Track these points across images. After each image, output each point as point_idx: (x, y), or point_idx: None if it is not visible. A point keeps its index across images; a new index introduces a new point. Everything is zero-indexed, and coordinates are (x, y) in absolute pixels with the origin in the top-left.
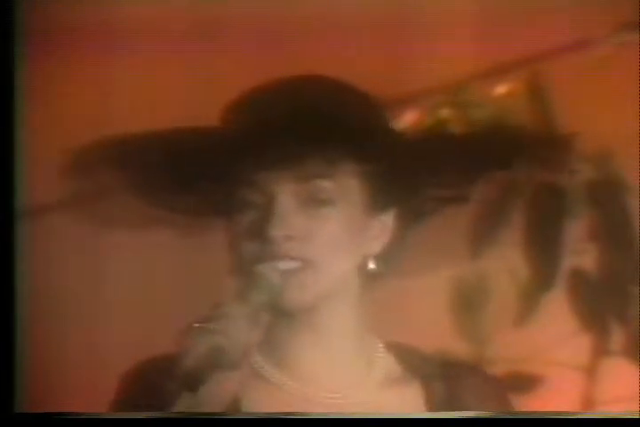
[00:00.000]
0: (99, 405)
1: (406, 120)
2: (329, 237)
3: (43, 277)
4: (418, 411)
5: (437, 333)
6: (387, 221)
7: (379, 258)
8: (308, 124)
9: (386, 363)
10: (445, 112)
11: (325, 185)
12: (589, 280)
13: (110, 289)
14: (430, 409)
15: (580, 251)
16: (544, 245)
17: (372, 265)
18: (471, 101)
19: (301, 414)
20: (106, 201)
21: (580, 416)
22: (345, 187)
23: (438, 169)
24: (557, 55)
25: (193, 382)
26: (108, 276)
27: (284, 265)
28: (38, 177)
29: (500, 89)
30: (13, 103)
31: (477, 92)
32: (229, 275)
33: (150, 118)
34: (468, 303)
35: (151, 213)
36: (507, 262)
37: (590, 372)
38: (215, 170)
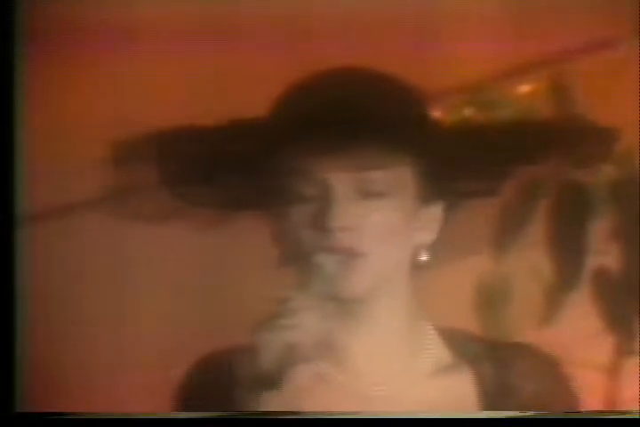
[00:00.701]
0: (99, 405)
1: None
2: (383, 229)
3: (43, 278)
4: (469, 396)
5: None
6: (436, 213)
7: (428, 249)
8: (359, 115)
9: (436, 350)
10: (468, 111)
11: (379, 176)
12: (613, 280)
13: (110, 289)
14: (481, 394)
15: (604, 251)
16: (567, 245)
17: (423, 256)
18: (494, 101)
19: (352, 413)
20: (132, 196)
21: (580, 416)
22: (398, 178)
23: (481, 160)
24: (582, 54)
25: (273, 379)
26: (109, 276)
27: (340, 256)
28: (38, 178)
29: (524, 88)
30: (13, 103)
31: (501, 92)
32: (279, 266)
33: (150, 118)
34: (491, 303)
35: (171, 207)
36: (530, 262)
37: (614, 372)
38: (263, 163)
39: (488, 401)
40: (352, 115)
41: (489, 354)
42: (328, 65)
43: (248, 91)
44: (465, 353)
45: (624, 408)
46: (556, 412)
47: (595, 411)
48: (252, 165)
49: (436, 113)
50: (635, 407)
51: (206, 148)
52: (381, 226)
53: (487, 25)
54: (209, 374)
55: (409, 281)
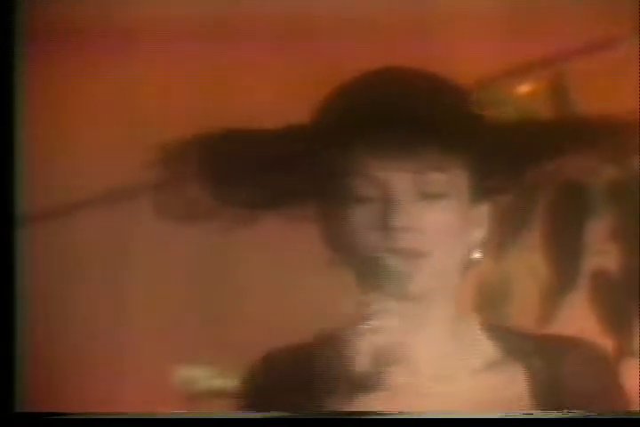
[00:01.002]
0: (99, 405)
1: None
2: (442, 229)
3: (43, 278)
4: (520, 390)
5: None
6: (485, 211)
7: (480, 247)
8: (416, 116)
9: (486, 346)
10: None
11: (439, 177)
12: (611, 281)
13: (111, 289)
14: (532, 388)
15: (602, 251)
16: (566, 246)
17: (476, 254)
18: (496, 100)
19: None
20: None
21: (580, 416)
22: (453, 178)
23: (522, 156)
24: (582, 54)
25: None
26: (109, 276)
27: (404, 256)
28: (38, 178)
29: (525, 88)
30: (13, 103)
31: (502, 91)
32: (332, 267)
33: (151, 118)
34: (490, 304)
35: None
36: (529, 263)
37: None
38: (319, 164)
39: (538, 397)
40: (409, 115)
41: (538, 349)
42: (328, 65)
43: (248, 90)
44: (514, 349)
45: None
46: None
47: (594, 411)
48: (307, 166)
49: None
50: (635, 407)
51: (258, 150)
52: (441, 226)
53: (486, 25)
54: (276, 373)
55: (461, 279)
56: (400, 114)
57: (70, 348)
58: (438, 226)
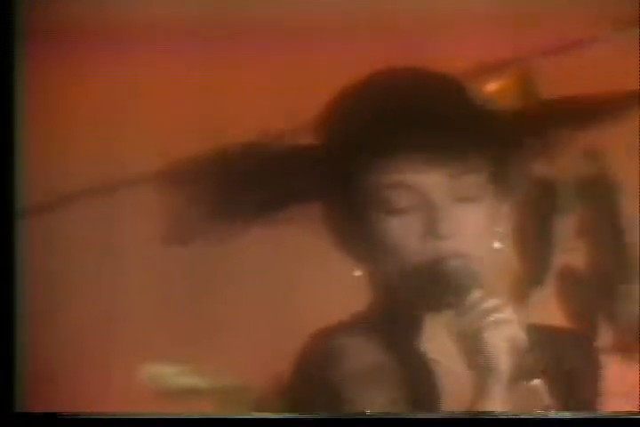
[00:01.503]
0: (99, 405)
1: None
2: (479, 231)
3: (43, 278)
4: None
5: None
6: (505, 210)
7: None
8: (438, 118)
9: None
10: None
11: (472, 180)
12: (579, 277)
13: (111, 289)
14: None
15: (570, 248)
16: (534, 243)
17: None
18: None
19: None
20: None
21: (579, 416)
22: (483, 180)
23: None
24: (551, 54)
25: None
26: (109, 276)
27: (453, 262)
28: (38, 176)
29: (492, 86)
30: (13, 102)
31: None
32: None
33: (151, 117)
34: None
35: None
36: (497, 259)
37: None
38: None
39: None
40: (430, 117)
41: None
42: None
43: (248, 90)
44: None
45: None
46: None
47: (594, 411)
48: (326, 176)
49: None
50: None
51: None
52: (478, 229)
53: (457, 25)
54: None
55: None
56: (421, 117)
57: (71, 348)
58: (475, 229)
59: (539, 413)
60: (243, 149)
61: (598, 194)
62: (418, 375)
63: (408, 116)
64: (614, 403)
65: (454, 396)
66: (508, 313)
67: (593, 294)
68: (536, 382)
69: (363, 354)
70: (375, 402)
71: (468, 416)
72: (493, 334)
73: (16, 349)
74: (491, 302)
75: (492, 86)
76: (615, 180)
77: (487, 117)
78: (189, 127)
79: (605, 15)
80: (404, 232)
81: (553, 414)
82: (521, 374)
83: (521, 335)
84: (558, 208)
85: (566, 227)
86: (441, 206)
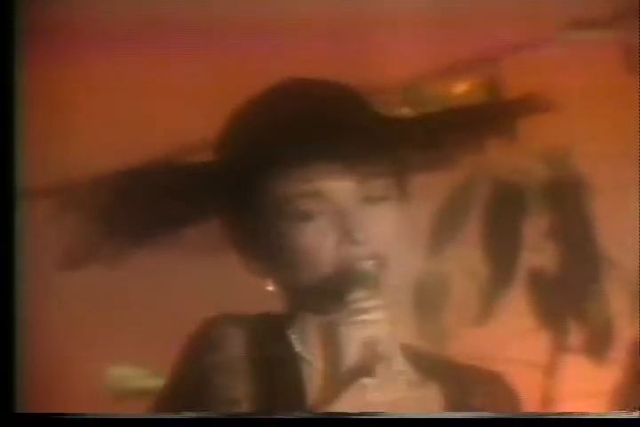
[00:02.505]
0: (99, 405)
1: None
2: (394, 232)
3: (43, 278)
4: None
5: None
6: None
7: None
8: (339, 129)
9: (403, 365)
10: (403, 111)
11: (380, 184)
12: (547, 278)
13: (111, 289)
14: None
15: (538, 249)
16: (502, 244)
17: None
18: (427, 100)
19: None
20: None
21: (579, 416)
22: (391, 182)
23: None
24: (512, 54)
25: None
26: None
27: (366, 264)
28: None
29: (457, 88)
30: (13, 103)
31: (433, 91)
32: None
33: (151, 117)
34: (428, 301)
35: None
36: (465, 261)
37: (548, 369)
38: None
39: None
40: (327, 127)
41: (447, 372)
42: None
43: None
44: (425, 367)
45: (561, 406)
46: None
47: (594, 411)
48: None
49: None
50: (593, 405)
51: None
52: (392, 229)
53: (418, 26)
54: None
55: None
56: (321, 125)
57: (70, 347)
58: (389, 227)
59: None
60: (143, 166)
61: (565, 195)
62: (283, 373)
63: (309, 125)
64: (586, 403)
65: (316, 396)
66: (377, 315)
67: (561, 295)
68: (366, 380)
69: (236, 345)
70: (235, 394)
71: (326, 416)
72: (352, 333)
73: (16, 349)
74: (365, 304)
75: (457, 88)
76: (582, 180)
77: (385, 123)
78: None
79: (560, 13)
80: (317, 239)
81: (550, 415)
82: (355, 371)
83: (382, 338)
84: (526, 210)
85: (534, 228)
86: (351, 211)
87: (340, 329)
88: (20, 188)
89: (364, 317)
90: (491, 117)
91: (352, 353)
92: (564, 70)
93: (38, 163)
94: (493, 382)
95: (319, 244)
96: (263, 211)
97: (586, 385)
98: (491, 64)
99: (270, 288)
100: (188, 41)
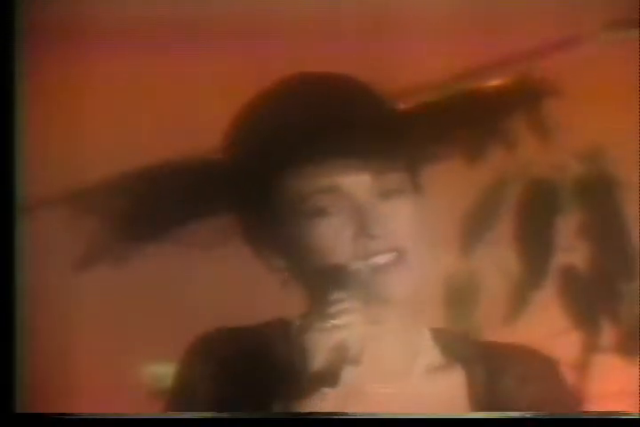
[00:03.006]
0: (99, 405)
1: None
2: (411, 225)
3: (43, 277)
4: (460, 396)
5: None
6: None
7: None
8: (352, 123)
9: (431, 350)
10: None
11: (395, 178)
12: (580, 277)
13: (112, 289)
14: (472, 394)
15: (571, 248)
16: (535, 243)
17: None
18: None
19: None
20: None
21: (578, 416)
22: (406, 176)
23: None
24: (548, 53)
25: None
26: (111, 275)
27: (382, 259)
28: (37, 174)
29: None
30: (14, 102)
31: (466, 90)
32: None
33: (151, 116)
34: (458, 300)
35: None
36: (497, 259)
37: (581, 369)
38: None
39: (479, 403)
40: (340, 121)
41: (482, 355)
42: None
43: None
44: (458, 355)
45: (593, 405)
46: (555, 413)
47: (594, 412)
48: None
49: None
50: (626, 404)
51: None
52: (409, 223)
53: (449, 24)
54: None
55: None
56: (334, 120)
57: (71, 348)
58: (407, 221)
59: (531, 413)
60: (157, 165)
61: (598, 193)
62: (264, 376)
63: (321, 120)
64: (614, 403)
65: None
66: (351, 318)
67: (594, 294)
68: (326, 390)
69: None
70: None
71: (291, 417)
72: (323, 337)
73: (16, 349)
74: (344, 305)
75: (492, 85)
76: (615, 178)
77: (397, 117)
78: (193, 128)
79: (600, 12)
80: (334, 235)
81: (548, 415)
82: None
83: (353, 343)
84: (559, 208)
85: (567, 227)
86: (368, 206)
87: (312, 331)
88: (22, 190)
89: (340, 320)
90: (504, 107)
91: (320, 358)
92: (599, 69)
93: (39, 165)
94: (527, 360)
95: (337, 239)
96: (280, 208)
97: (617, 385)
98: (525, 63)
99: (285, 284)
100: (190, 41)
